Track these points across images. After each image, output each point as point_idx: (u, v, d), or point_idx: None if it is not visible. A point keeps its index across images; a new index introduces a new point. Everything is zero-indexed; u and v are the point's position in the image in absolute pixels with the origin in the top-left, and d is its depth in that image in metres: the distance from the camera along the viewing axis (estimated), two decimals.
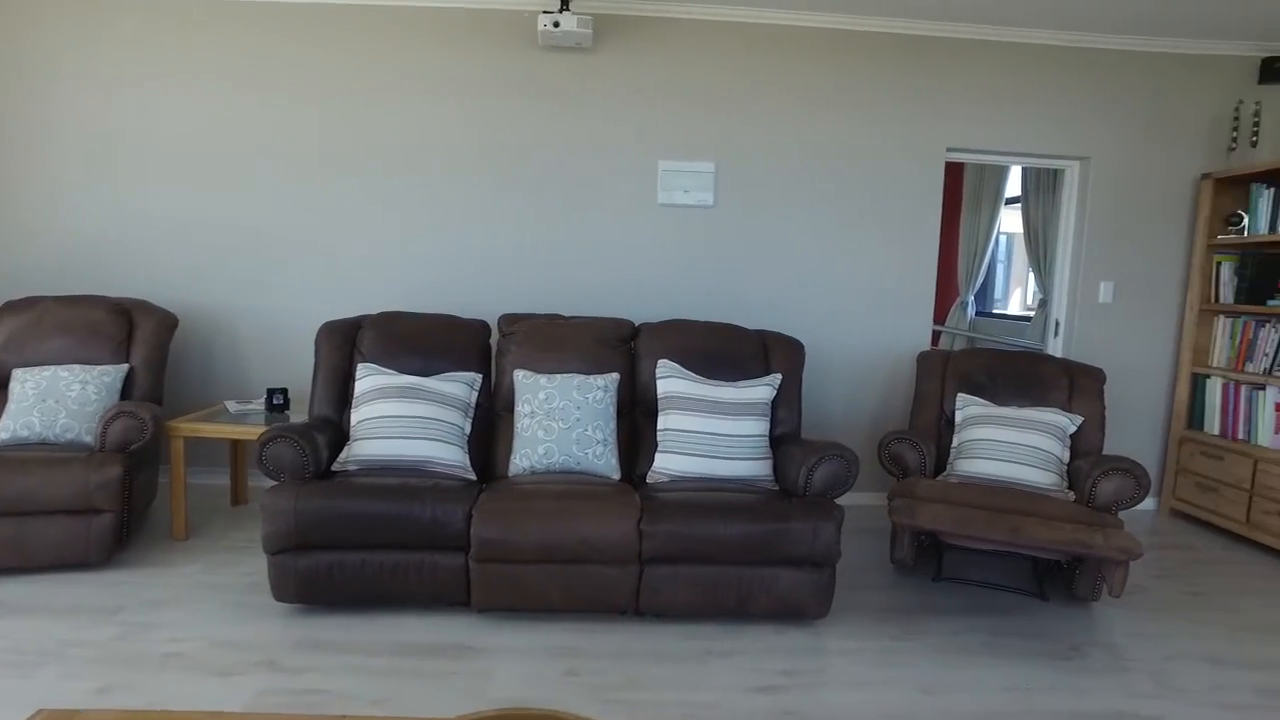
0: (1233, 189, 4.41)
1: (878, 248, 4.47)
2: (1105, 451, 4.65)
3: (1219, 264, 4.41)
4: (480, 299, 4.36)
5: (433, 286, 4.35)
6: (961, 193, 6.85)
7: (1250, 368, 4.23)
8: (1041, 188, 5.71)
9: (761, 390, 3.28)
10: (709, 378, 3.43)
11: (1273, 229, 4.11)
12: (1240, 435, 4.23)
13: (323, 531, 2.79)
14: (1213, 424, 4.39)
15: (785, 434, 3.45)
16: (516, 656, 2.63)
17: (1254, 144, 4.37)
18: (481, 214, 4.31)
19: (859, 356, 4.55)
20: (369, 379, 3.33)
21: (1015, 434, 3.47)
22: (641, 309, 4.40)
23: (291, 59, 4.18)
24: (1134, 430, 4.70)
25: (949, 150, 4.47)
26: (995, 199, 6.37)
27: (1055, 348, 4.69)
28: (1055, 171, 5.36)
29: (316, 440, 3.03)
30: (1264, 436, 4.09)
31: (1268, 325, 4.16)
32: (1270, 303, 4.10)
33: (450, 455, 3.19)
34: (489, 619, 2.89)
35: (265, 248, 4.30)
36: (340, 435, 3.31)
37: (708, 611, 2.85)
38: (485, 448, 3.44)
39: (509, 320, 3.70)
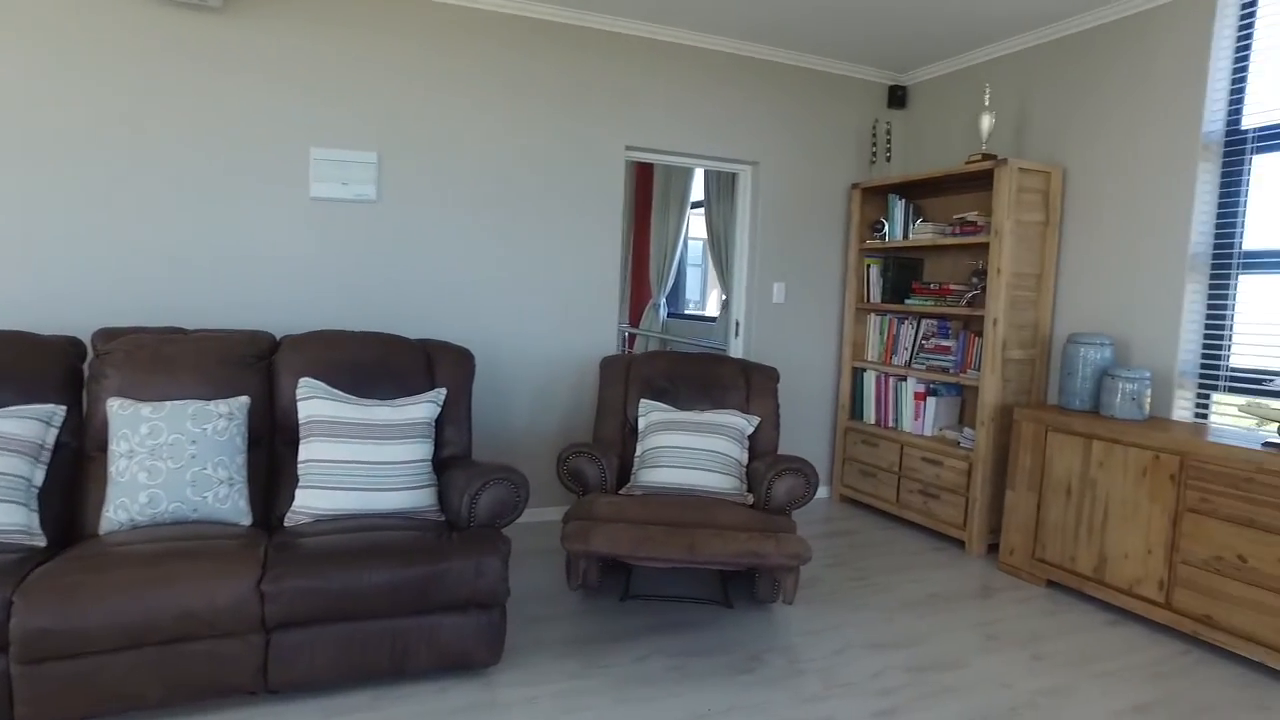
0: (875, 198, 4.84)
1: (560, 248, 4.28)
2: (783, 449, 4.89)
3: (868, 266, 4.82)
4: (77, 312, 3.46)
5: (6, 298, 3.37)
6: (652, 194, 6.99)
7: (896, 360, 4.65)
8: (722, 192, 5.95)
9: (423, 408, 2.89)
10: (364, 396, 2.96)
11: (905, 235, 4.55)
12: (890, 423, 4.65)
13: None
14: (870, 414, 4.78)
15: (453, 456, 3.09)
16: None
17: (888, 159, 4.84)
18: (81, 204, 3.42)
19: (544, 364, 4.32)
20: None
21: (696, 439, 3.43)
22: (289, 319, 3.78)
23: None
24: (809, 423, 4.99)
25: (629, 149, 4.40)
26: (682, 201, 6.56)
27: (737, 348, 4.84)
28: (733, 175, 5.58)
29: None
30: (907, 422, 4.51)
31: (906, 322, 4.60)
32: (908, 301, 4.53)
33: (6, 518, 2.41)
34: None
35: None
36: None
37: (357, 677, 2.40)
38: (69, 501, 2.67)
39: (106, 336, 2.93)
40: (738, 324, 4.82)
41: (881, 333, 4.76)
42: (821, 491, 5.07)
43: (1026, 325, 3.99)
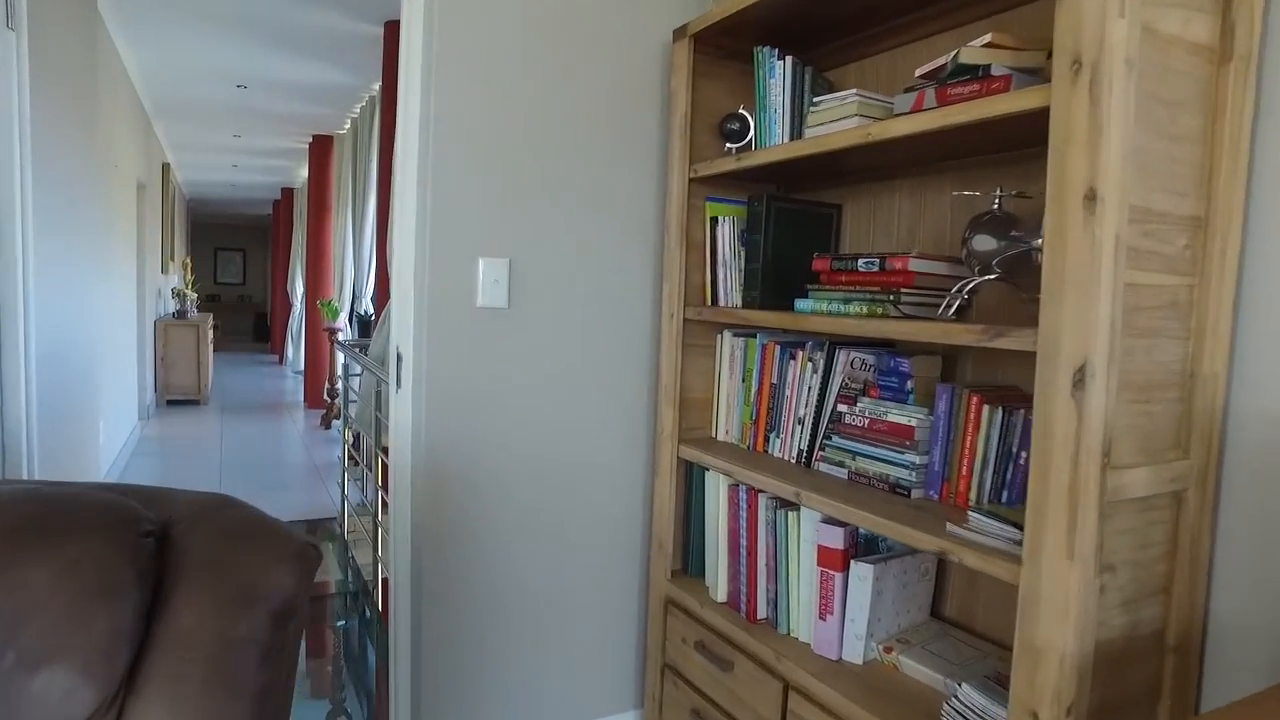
0: (728, 61, 2.09)
1: None
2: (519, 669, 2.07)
3: (714, 220, 2.06)
4: None
5: None
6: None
7: (777, 447, 1.92)
8: None
9: None
10: None
11: (797, 133, 1.81)
12: (762, 609, 1.88)
13: None
14: (717, 572, 2.01)
15: None
16: None
17: None
18: None
19: None
20: None
21: None
22: None
23: None
24: (585, 589, 2.22)
25: None
26: None
27: (401, 409, 2.01)
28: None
29: None
30: (801, 617, 1.77)
31: (800, 354, 1.87)
32: (801, 305, 1.79)
33: None
34: None
35: None
36: None
37: None
38: None
39: None
40: (399, 359, 2.00)
41: (747, 376, 2.02)
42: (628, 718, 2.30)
43: (1165, 383, 1.27)
